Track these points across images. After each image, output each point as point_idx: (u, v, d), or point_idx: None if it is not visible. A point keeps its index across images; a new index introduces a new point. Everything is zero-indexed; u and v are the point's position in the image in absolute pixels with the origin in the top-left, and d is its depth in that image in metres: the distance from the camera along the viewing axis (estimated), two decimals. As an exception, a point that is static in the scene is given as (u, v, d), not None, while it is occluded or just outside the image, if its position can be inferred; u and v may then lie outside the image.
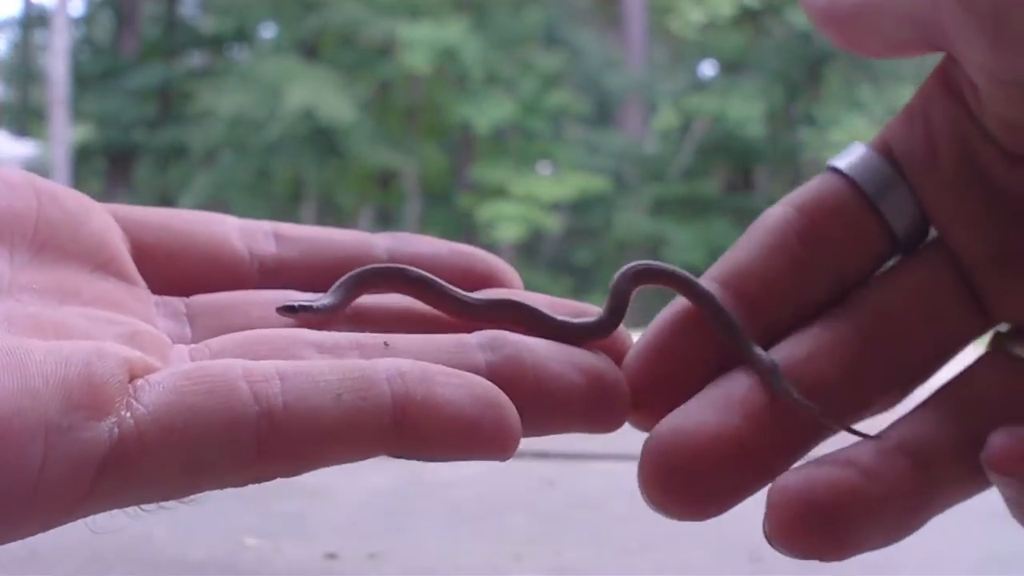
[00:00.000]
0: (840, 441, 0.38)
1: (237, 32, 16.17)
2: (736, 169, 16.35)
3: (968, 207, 0.38)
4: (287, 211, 14.88)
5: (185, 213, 0.41)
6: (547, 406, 0.36)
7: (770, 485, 0.36)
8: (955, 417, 0.37)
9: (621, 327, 0.40)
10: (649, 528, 3.46)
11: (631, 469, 0.37)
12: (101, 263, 0.38)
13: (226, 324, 0.37)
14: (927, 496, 0.36)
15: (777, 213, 0.40)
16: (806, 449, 0.37)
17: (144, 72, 15.54)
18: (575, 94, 15.28)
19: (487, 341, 0.36)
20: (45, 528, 0.30)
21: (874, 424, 0.39)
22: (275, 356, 0.34)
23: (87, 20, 17.66)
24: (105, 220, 0.39)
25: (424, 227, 13.96)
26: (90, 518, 0.31)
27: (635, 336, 0.40)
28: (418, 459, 0.33)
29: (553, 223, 14.22)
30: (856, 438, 0.37)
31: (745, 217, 7.15)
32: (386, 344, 0.36)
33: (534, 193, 13.95)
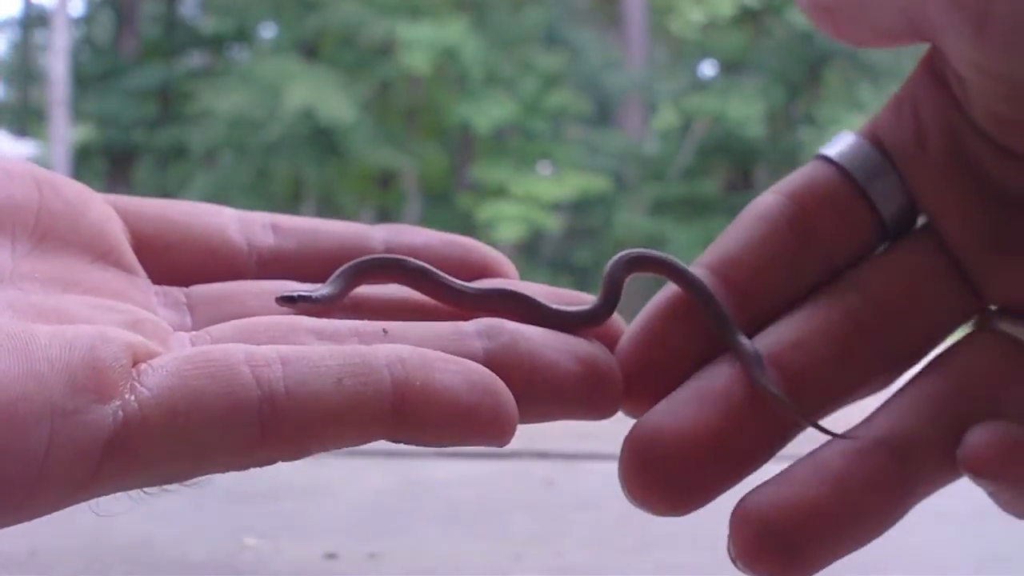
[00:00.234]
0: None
1: (237, 32, 16.16)
2: (736, 169, 16.34)
3: (957, 194, 0.39)
4: (287, 211, 14.67)
5: (183, 204, 0.42)
6: (543, 393, 0.36)
7: (733, 508, 0.36)
8: (938, 400, 0.37)
9: (615, 314, 0.40)
10: (649, 528, 3.46)
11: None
12: (101, 253, 0.38)
13: (226, 313, 0.38)
14: (903, 492, 0.36)
15: (767, 201, 0.40)
16: (786, 441, 0.38)
17: (144, 72, 15.53)
18: (575, 94, 15.26)
19: (484, 329, 0.37)
20: (51, 511, 0.30)
21: (864, 406, 0.39)
22: (275, 342, 0.34)
23: (87, 20, 17.64)
24: (105, 210, 0.39)
25: (424, 227, 13.87)
26: (94, 501, 0.31)
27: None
28: (416, 443, 0.33)
29: (553, 223, 14.22)
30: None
31: (745, 217, 7.12)
32: (385, 331, 0.36)
33: (534, 193, 13.95)
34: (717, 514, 0.40)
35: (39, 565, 3.14)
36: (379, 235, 0.42)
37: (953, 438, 0.36)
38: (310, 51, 15.45)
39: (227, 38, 16.39)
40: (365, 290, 0.40)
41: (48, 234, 0.37)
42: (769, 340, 0.38)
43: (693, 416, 0.36)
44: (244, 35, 16.41)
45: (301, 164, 14.70)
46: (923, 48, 0.39)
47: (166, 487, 0.32)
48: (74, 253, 0.37)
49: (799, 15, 14.22)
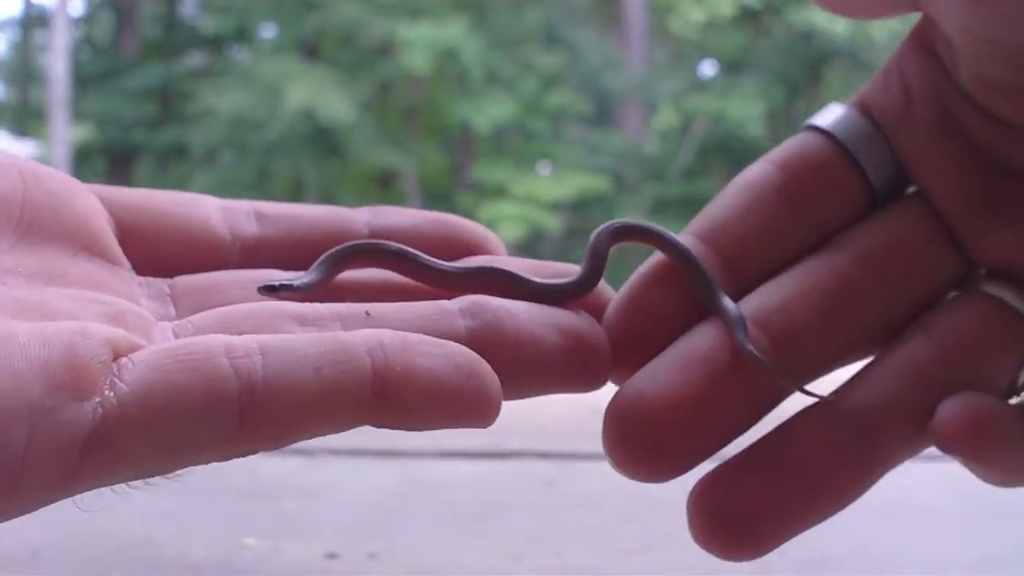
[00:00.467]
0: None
1: (237, 32, 16.16)
2: (736, 169, 16.11)
3: (945, 159, 0.39)
4: (287, 211, 14.82)
5: (167, 194, 0.42)
6: (529, 369, 0.36)
7: (689, 490, 0.36)
8: (917, 365, 0.37)
9: (602, 283, 0.40)
10: (649, 528, 3.46)
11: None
12: (86, 244, 0.38)
13: (209, 304, 0.38)
14: (870, 465, 0.36)
15: (756, 170, 0.40)
16: (770, 406, 0.37)
17: (144, 72, 15.54)
18: (575, 94, 15.27)
19: (467, 307, 0.36)
20: (32, 509, 0.30)
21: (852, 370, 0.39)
22: (256, 330, 0.34)
23: (87, 20, 17.65)
24: (90, 201, 0.39)
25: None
26: (77, 497, 0.31)
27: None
28: (400, 428, 0.33)
29: (553, 223, 14.22)
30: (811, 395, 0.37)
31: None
32: (367, 313, 0.36)
33: (534, 193, 13.95)
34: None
35: (40, 565, 3.14)
36: (363, 218, 0.42)
37: (930, 405, 0.36)
38: (310, 51, 15.46)
39: (227, 38, 16.39)
40: (348, 274, 0.40)
41: (32, 226, 0.37)
42: (755, 302, 0.38)
43: (674, 381, 0.36)
44: (244, 35, 16.41)
45: (301, 164, 14.70)
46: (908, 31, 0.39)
47: (148, 481, 0.33)
48: (58, 245, 0.37)
49: (799, 15, 14.24)
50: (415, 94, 15.65)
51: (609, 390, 0.39)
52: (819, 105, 0.43)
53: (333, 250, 0.40)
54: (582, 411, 1.73)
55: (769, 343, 0.37)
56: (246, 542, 3.55)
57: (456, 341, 0.34)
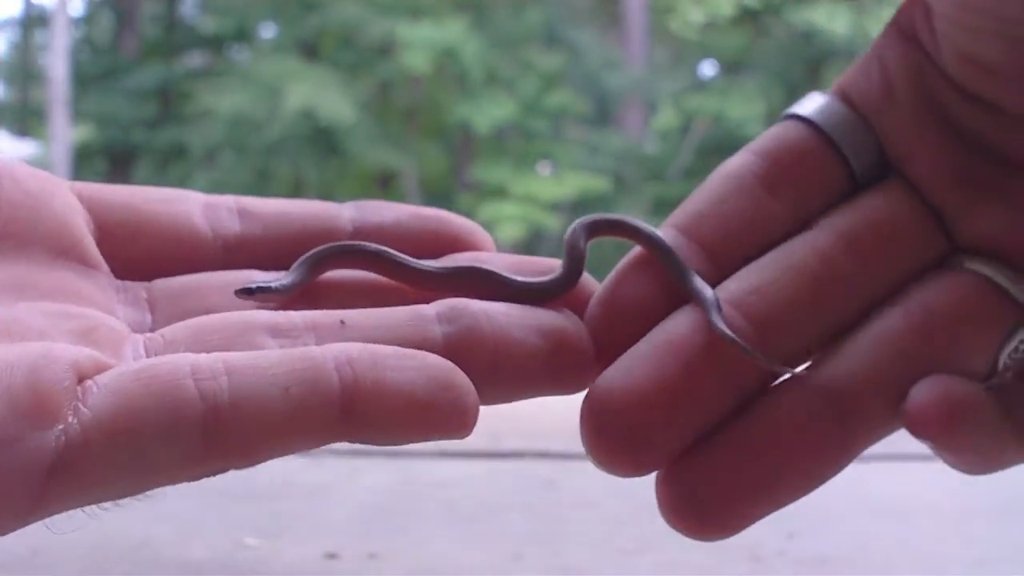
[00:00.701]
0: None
1: (237, 32, 16.16)
2: (736, 169, 16.32)
3: (927, 141, 0.39)
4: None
5: (150, 191, 0.41)
6: (508, 373, 0.35)
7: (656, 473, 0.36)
8: (894, 340, 0.36)
9: (586, 276, 0.39)
10: (649, 528, 3.46)
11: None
12: (63, 249, 0.38)
13: (186, 310, 0.37)
14: (844, 440, 0.35)
15: (736, 160, 0.40)
16: (754, 392, 0.36)
17: (144, 72, 15.53)
18: (575, 94, 15.27)
19: (445, 311, 0.36)
20: (2, 534, 0.30)
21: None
22: (227, 344, 0.34)
23: (87, 20, 17.65)
24: (68, 201, 0.39)
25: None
26: (48, 520, 0.31)
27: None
28: (373, 443, 0.33)
29: (553, 223, 14.22)
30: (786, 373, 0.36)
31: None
32: (342, 322, 0.35)
33: (534, 193, 13.95)
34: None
35: (41, 565, 3.14)
36: (347, 214, 0.42)
37: (907, 379, 0.35)
38: (310, 51, 15.45)
39: (227, 38, 16.38)
40: (327, 275, 0.40)
41: (7, 231, 0.36)
42: (734, 285, 0.37)
43: (648, 371, 0.35)
44: (244, 35, 16.41)
45: (301, 164, 14.70)
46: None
47: (118, 502, 0.32)
48: (34, 252, 0.37)
49: (799, 15, 14.24)
50: (415, 94, 15.64)
51: None
52: (819, 105, 0.42)
53: (312, 252, 0.39)
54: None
55: (748, 326, 0.36)
56: (246, 542, 3.55)
57: (433, 347, 0.34)
